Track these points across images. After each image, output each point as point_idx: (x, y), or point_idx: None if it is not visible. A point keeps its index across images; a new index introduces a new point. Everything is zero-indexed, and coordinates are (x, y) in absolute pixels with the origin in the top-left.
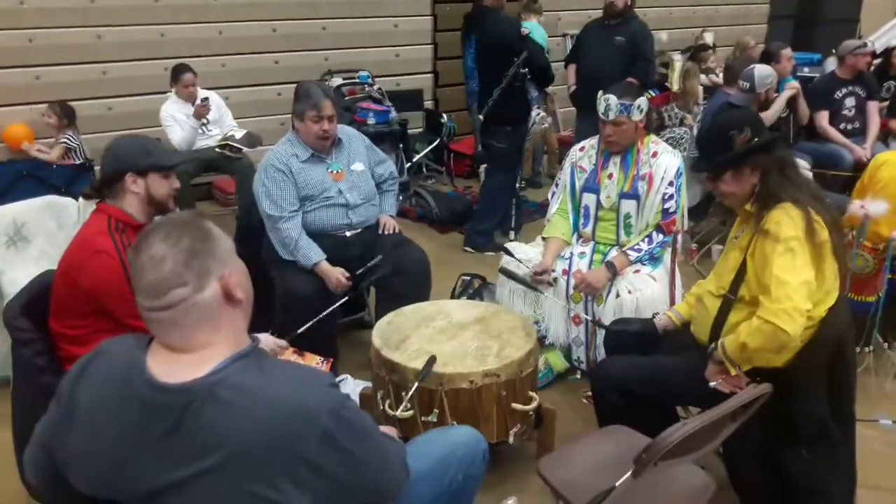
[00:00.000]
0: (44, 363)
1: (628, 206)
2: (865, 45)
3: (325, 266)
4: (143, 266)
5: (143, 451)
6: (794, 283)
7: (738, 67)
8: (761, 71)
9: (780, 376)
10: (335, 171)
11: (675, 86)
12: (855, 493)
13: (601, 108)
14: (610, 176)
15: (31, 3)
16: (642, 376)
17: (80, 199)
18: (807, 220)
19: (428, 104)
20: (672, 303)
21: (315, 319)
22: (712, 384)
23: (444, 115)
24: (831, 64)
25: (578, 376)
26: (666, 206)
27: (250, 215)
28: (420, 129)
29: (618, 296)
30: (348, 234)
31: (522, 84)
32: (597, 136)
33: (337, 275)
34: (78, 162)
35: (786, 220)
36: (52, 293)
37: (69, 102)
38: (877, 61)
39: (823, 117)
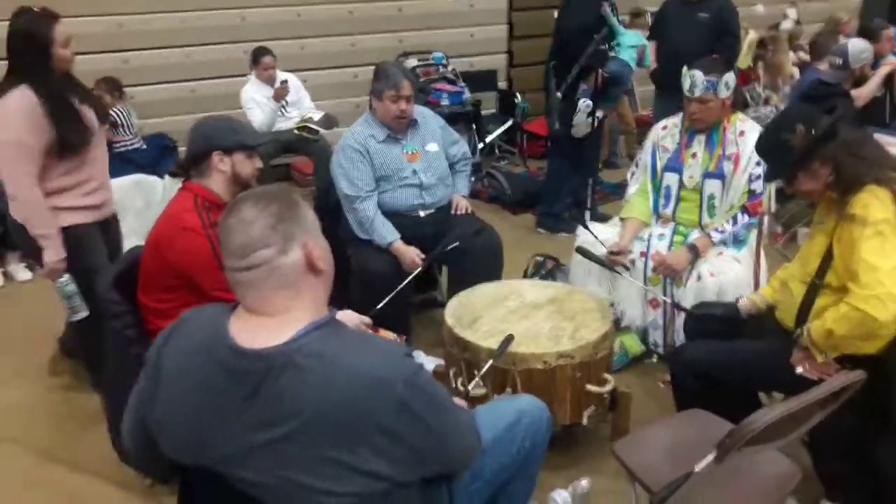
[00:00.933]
0: (133, 335)
1: (712, 186)
2: None
3: (400, 245)
4: (231, 228)
5: (223, 416)
6: (885, 268)
7: (825, 42)
8: (855, 45)
9: (873, 363)
10: (410, 152)
11: (743, 62)
12: None
13: (686, 84)
14: (694, 155)
15: None
16: (722, 361)
17: (166, 178)
18: None
19: (502, 84)
20: (756, 287)
21: (391, 295)
22: (799, 370)
23: (518, 96)
24: None
25: (655, 360)
26: (752, 186)
27: (328, 195)
28: (493, 110)
29: (699, 278)
30: (422, 213)
31: (601, 63)
32: (680, 114)
33: (412, 254)
34: (127, 138)
35: (874, 203)
36: (140, 268)
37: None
38: None
39: None
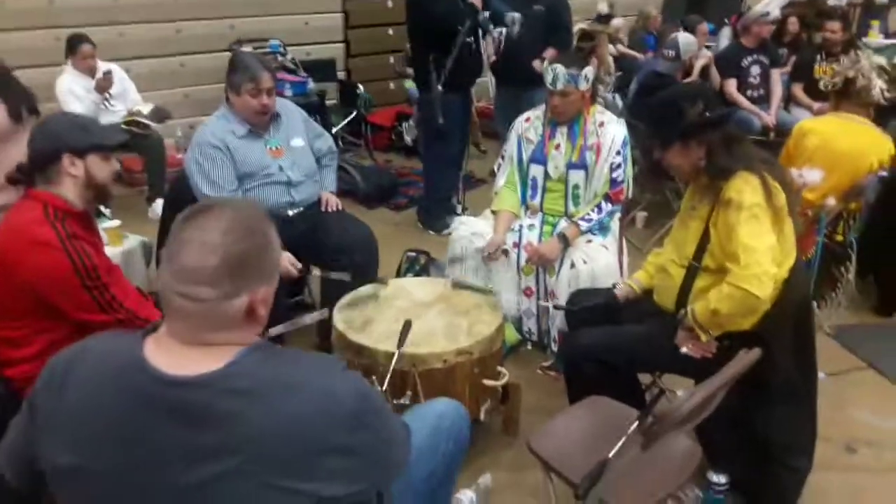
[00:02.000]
0: None
1: (576, 176)
2: (768, 14)
3: None
4: (186, 241)
5: (157, 456)
6: (762, 249)
7: (666, 33)
8: (685, 38)
9: (749, 338)
10: (273, 148)
11: None
12: (815, 445)
13: (549, 77)
14: (557, 147)
15: None
16: (615, 346)
17: None
18: (765, 185)
19: (340, 75)
20: (621, 272)
21: (289, 326)
22: (683, 350)
23: (361, 86)
24: (725, 34)
25: (529, 347)
26: (614, 175)
27: (180, 191)
28: (334, 101)
29: (573, 266)
30: (291, 212)
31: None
32: (542, 107)
33: (285, 263)
34: None
35: (746, 188)
36: None
37: None
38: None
39: (732, 85)
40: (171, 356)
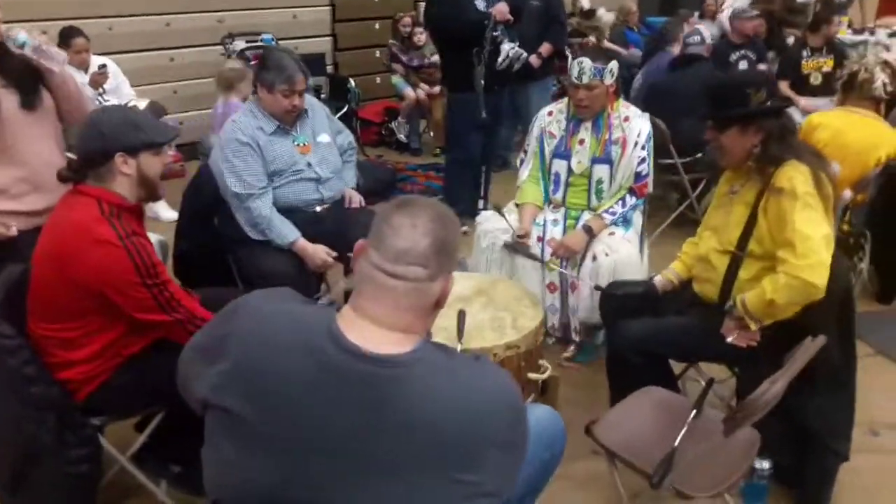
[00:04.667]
0: (33, 372)
1: (601, 171)
2: (750, 9)
3: (305, 243)
4: (399, 227)
5: (333, 424)
6: (817, 237)
7: (672, 29)
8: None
9: (795, 327)
10: (302, 144)
11: None
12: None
13: (574, 71)
14: (581, 141)
15: None
16: (661, 336)
17: None
18: (815, 175)
19: (329, 69)
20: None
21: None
22: (729, 339)
23: (352, 81)
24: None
25: (552, 342)
26: (638, 169)
27: (198, 194)
28: (324, 96)
29: (595, 258)
30: (318, 208)
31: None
32: (565, 101)
33: (321, 253)
34: None
35: (798, 176)
36: (31, 292)
37: None
38: None
39: None
40: (362, 334)
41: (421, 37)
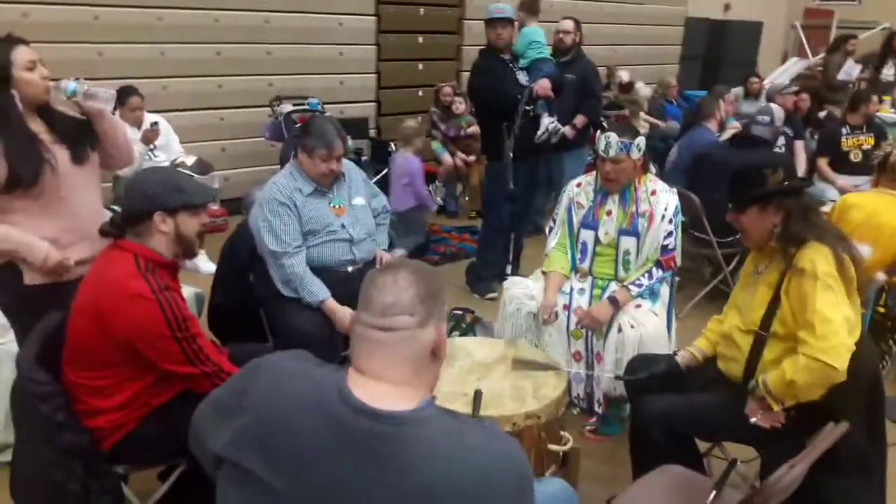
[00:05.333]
0: (64, 419)
1: (627, 242)
2: (789, 85)
3: (334, 305)
4: (382, 285)
5: (335, 482)
6: (838, 320)
7: (709, 104)
8: (777, 107)
9: (820, 409)
10: (336, 206)
11: None
12: None
13: (601, 145)
14: (609, 213)
15: None
16: (684, 414)
17: None
18: (836, 256)
19: (371, 133)
20: (669, 338)
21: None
22: (753, 420)
23: (393, 145)
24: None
25: (576, 412)
26: (665, 242)
27: (235, 249)
28: (366, 158)
29: (620, 330)
30: (350, 269)
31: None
32: (593, 173)
33: (348, 315)
34: None
35: (819, 258)
36: (68, 341)
37: None
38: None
39: None
40: (367, 391)
41: (460, 106)
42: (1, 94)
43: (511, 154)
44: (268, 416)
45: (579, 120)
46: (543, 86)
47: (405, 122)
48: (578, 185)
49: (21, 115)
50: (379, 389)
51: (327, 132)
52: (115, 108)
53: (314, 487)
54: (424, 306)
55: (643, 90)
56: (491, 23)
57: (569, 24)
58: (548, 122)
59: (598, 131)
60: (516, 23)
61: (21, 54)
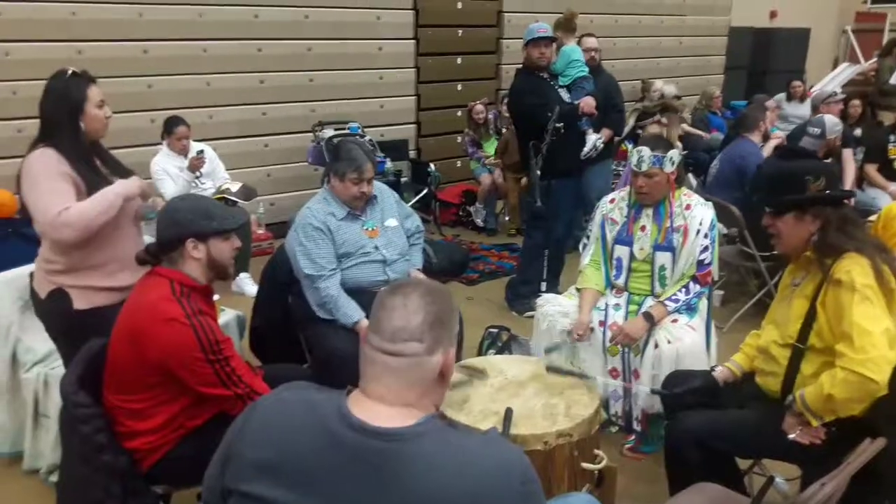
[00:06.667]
0: (104, 441)
1: (663, 258)
2: (836, 93)
3: (367, 324)
4: (393, 308)
5: (334, 497)
6: (877, 332)
7: (752, 115)
8: (831, 119)
9: (862, 425)
10: (370, 228)
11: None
12: None
13: (634, 159)
14: (643, 228)
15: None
16: (720, 431)
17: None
18: (875, 268)
19: (411, 153)
20: (708, 353)
21: None
22: (791, 436)
23: (432, 165)
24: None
25: (614, 430)
26: (701, 257)
27: (274, 272)
28: (406, 179)
29: (657, 346)
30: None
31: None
32: (627, 188)
33: None
34: None
35: (857, 269)
36: (107, 365)
37: None
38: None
39: None
40: (369, 412)
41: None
42: (73, 126)
43: (539, 172)
44: (269, 442)
45: (605, 133)
46: (588, 103)
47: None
48: (612, 201)
49: (87, 147)
50: (382, 410)
51: (357, 156)
52: (162, 137)
53: (322, 502)
54: (433, 332)
55: (667, 88)
56: (535, 42)
57: (595, 42)
58: (594, 138)
59: (632, 145)
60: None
61: (94, 92)
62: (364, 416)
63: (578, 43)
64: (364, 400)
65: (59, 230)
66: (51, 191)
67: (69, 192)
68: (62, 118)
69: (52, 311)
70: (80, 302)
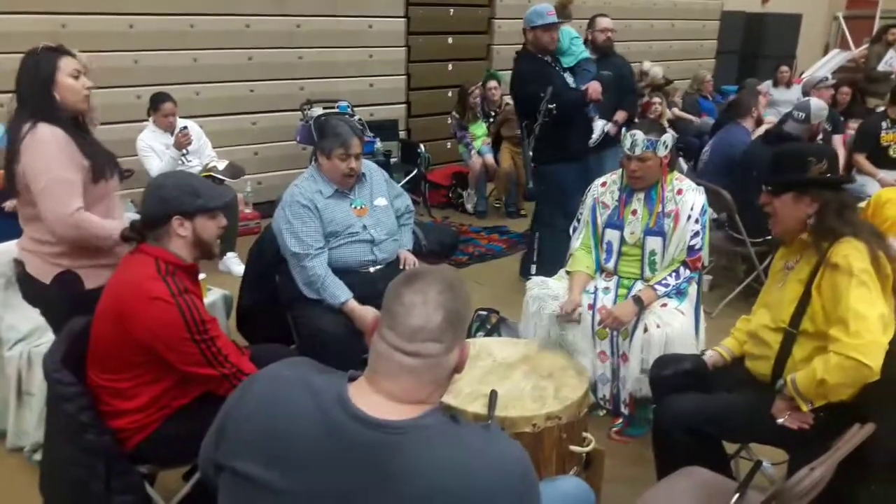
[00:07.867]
0: (88, 419)
1: (653, 242)
2: (827, 78)
3: (354, 305)
4: (411, 305)
5: (336, 488)
6: (872, 317)
7: (746, 101)
8: (816, 103)
9: (851, 410)
10: (358, 207)
11: None
12: None
13: (627, 143)
14: (634, 212)
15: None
16: (708, 414)
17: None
18: (872, 252)
19: (401, 134)
20: (697, 338)
21: None
22: (780, 420)
23: (422, 146)
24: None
25: (602, 413)
26: (692, 242)
27: (262, 251)
28: (396, 160)
29: (646, 330)
30: (372, 269)
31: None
32: (619, 172)
33: (371, 315)
34: None
35: (854, 253)
36: (90, 343)
37: None
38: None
39: None
40: (373, 404)
41: (495, 92)
42: (46, 97)
43: (531, 153)
44: (264, 421)
45: (620, 116)
46: (595, 89)
47: None
48: (603, 184)
49: (69, 118)
50: (386, 403)
51: (342, 132)
52: (148, 113)
53: (315, 491)
54: (452, 331)
55: (654, 70)
56: (547, 27)
57: (609, 22)
58: (602, 123)
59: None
60: None
61: (67, 62)
62: (366, 406)
63: (590, 24)
64: (370, 393)
65: (66, 228)
66: (65, 181)
67: (79, 186)
68: (36, 91)
69: (61, 294)
70: (91, 281)
